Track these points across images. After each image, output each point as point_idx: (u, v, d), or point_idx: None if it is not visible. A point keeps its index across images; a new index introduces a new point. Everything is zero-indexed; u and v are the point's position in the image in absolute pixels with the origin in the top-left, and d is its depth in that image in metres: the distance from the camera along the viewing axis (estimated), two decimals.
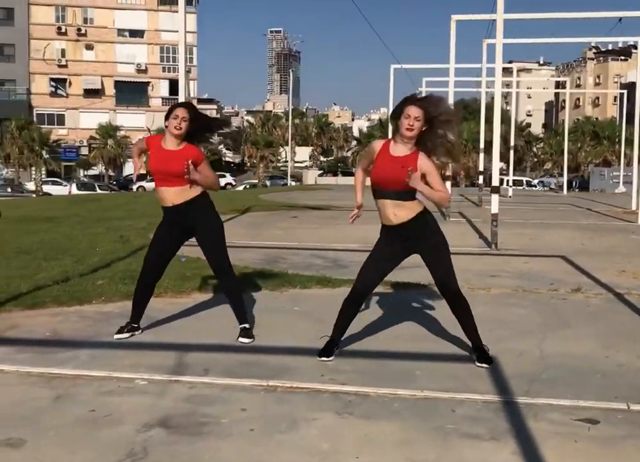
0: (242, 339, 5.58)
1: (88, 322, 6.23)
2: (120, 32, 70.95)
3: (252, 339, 5.60)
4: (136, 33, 71.33)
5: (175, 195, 5.48)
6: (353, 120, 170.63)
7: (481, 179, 22.34)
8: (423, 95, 5.39)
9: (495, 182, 11.42)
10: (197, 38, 73.40)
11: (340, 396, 4.41)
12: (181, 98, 12.21)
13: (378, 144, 5.10)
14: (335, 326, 5.25)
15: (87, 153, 67.09)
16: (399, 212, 4.95)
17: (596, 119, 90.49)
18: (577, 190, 50.68)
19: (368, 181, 5.23)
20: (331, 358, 5.12)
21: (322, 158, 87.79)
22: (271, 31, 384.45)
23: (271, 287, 7.65)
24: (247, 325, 5.71)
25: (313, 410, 4.17)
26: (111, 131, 65.10)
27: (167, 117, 5.47)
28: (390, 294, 7.40)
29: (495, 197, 11.14)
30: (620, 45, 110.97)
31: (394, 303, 7.06)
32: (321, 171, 66.16)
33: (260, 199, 23.12)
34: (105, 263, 8.94)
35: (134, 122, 68.92)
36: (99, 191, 47.80)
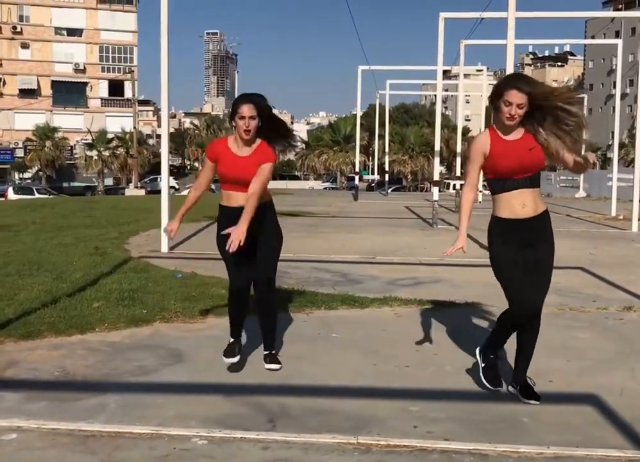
0: (270, 366, 4.97)
1: (98, 356, 5.28)
2: (58, 30, 68.74)
3: (281, 365, 5.00)
4: (74, 32, 69.15)
5: (244, 199, 4.72)
6: (292, 123, 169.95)
7: (458, 184, 21.50)
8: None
9: None
10: (138, 38, 71.26)
11: (454, 457, 3.60)
12: (164, 112, 11.20)
13: (482, 138, 4.30)
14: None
15: (23, 155, 64.50)
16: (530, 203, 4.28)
17: None
18: None
19: None
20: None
21: None
22: (207, 33, 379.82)
23: (293, 308, 6.78)
24: (273, 351, 5.12)
25: None
26: (49, 133, 62.63)
27: (232, 116, 4.67)
28: (427, 312, 6.61)
29: None
30: (556, 51, 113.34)
31: (441, 324, 6.28)
32: None
33: None
34: (91, 280, 7.93)
35: (72, 123, 66.80)
36: (37, 195, 45.61)
